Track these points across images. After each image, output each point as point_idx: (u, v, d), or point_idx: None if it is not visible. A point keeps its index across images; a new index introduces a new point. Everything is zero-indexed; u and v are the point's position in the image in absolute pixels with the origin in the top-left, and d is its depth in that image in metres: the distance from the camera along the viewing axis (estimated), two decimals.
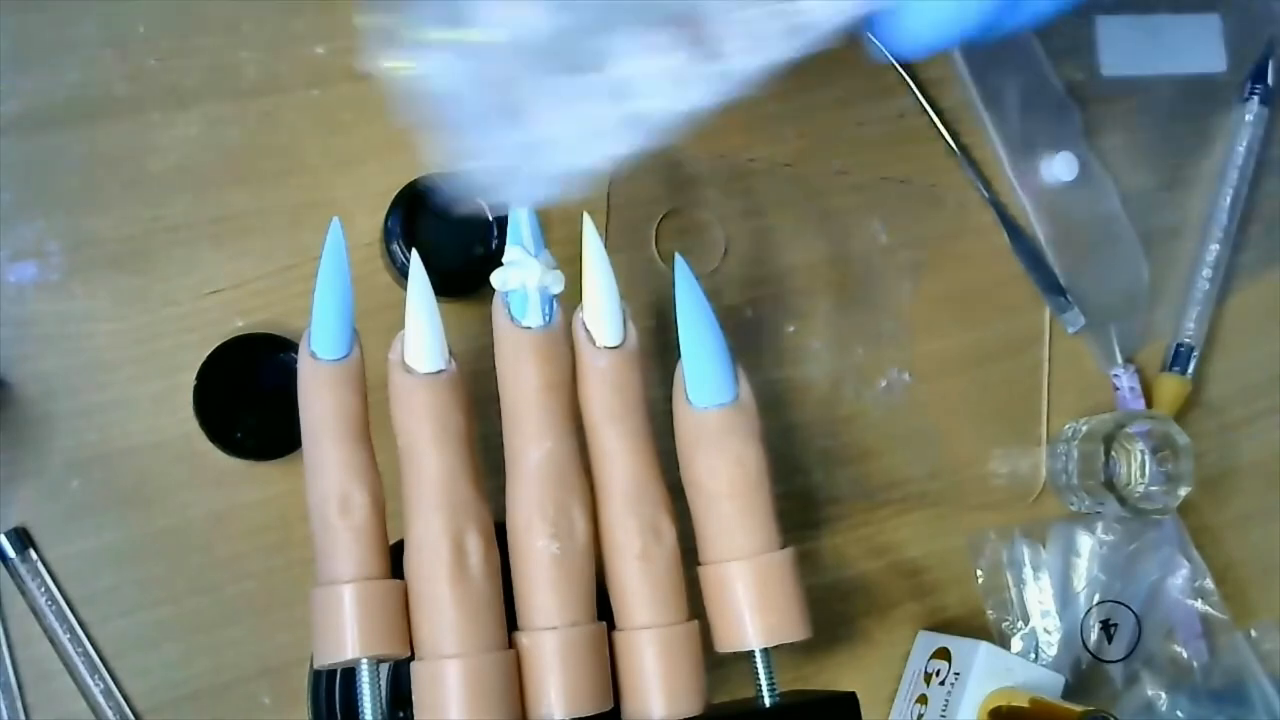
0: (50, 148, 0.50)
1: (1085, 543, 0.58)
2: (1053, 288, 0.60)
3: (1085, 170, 0.61)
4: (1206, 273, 0.63)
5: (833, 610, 0.56)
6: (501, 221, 0.51)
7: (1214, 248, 0.63)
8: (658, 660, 0.43)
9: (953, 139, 0.60)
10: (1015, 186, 0.61)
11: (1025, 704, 0.51)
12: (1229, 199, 0.63)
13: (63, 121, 0.50)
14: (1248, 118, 0.64)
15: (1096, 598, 0.58)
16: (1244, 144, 0.64)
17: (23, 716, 0.48)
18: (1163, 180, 0.63)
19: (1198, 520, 0.62)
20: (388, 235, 0.50)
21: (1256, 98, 0.64)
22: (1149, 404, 0.61)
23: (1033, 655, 0.57)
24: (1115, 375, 0.61)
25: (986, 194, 0.60)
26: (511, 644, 0.42)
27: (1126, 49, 0.62)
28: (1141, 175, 0.63)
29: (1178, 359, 0.62)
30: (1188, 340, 0.62)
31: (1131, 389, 0.61)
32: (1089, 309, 0.61)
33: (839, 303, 0.58)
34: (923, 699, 0.54)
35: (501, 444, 0.44)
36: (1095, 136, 0.62)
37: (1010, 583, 0.58)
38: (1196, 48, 0.64)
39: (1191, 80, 0.64)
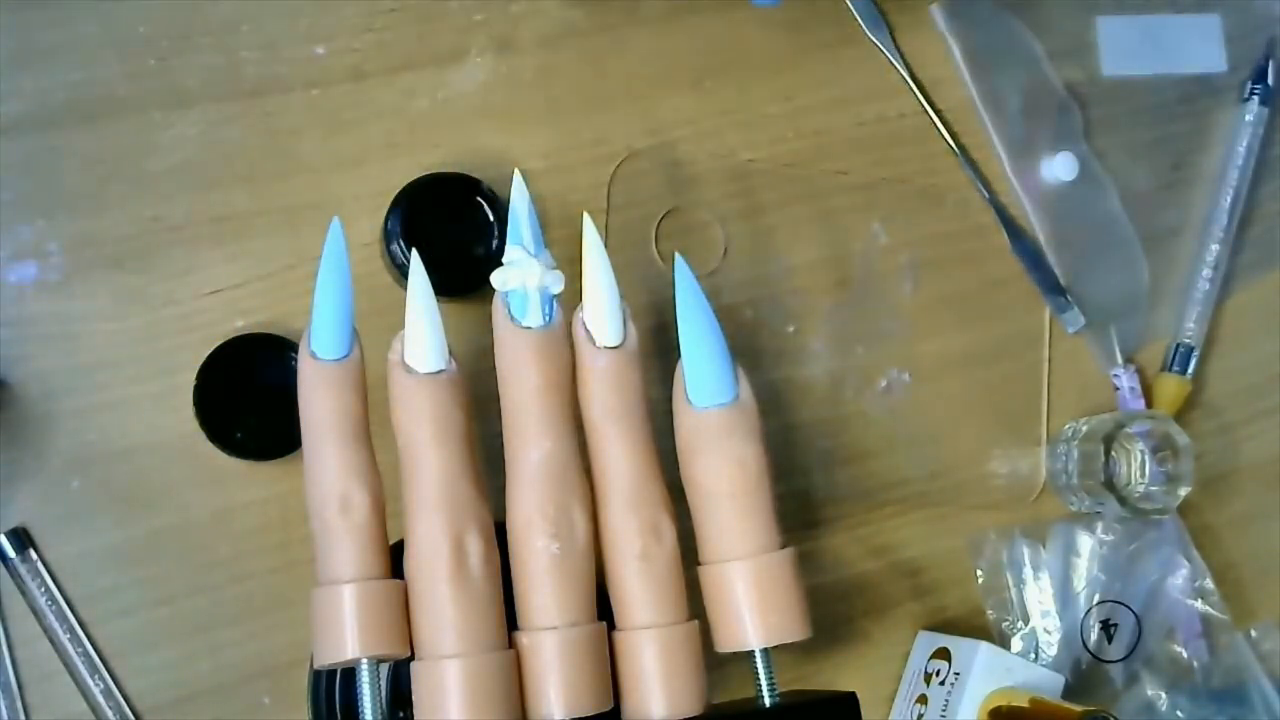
0: (50, 148, 0.50)
1: (1085, 543, 0.58)
2: (1053, 288, 0.60)
3: (1085, 170, 0.61)
4: (1206, 273, 0.63)
5: (833, 610, 0.56)
6: (501, 221, 0.51)
7: (1214, 248, 0.63)
8: (658, 660, 0.43)
9: (953, 139, 0.60)
10: (1015, 186, 0.61)
11: (1025, 704, 0.51)
12: (1229, 199, 0.63)
13: (63, 121, 0.50)
14: (1248, 118, 0.64)
15: (1096, 598, 0.58)
16: (1244, 144, 0.64)
17: (23, 716, 0.48)
18: (1162, 180, 0.63)
19: (1198, 520, 0.62)
20: (388, 235, 0.50)
21: (1256, 98, 0.64)
22: (1149, 404, 0.61)
23: (1033, 655, 0.57)
24: (1115, 375, 0.61)
25: (986, 194, 0.60)
26: (511, 644, 0.42)
27: (1127, 49, 0.62)
28: (1141, 175, 0.63)
29: (1178, 359, 0.62)
30: (1188, 340, 0.62)
31: (1132, 389, 0.61)
32: (1089, 309, 0.61)
33: (839, 303, 0.58)
34: (923, 699, 0.54)
35: (501, 444, 0.44)
36: (1095, 136, 0.62)
37: (1010, 583, 0.58)
38: (1197, 48, 0.64)
39: (1192, 80, 0.64)
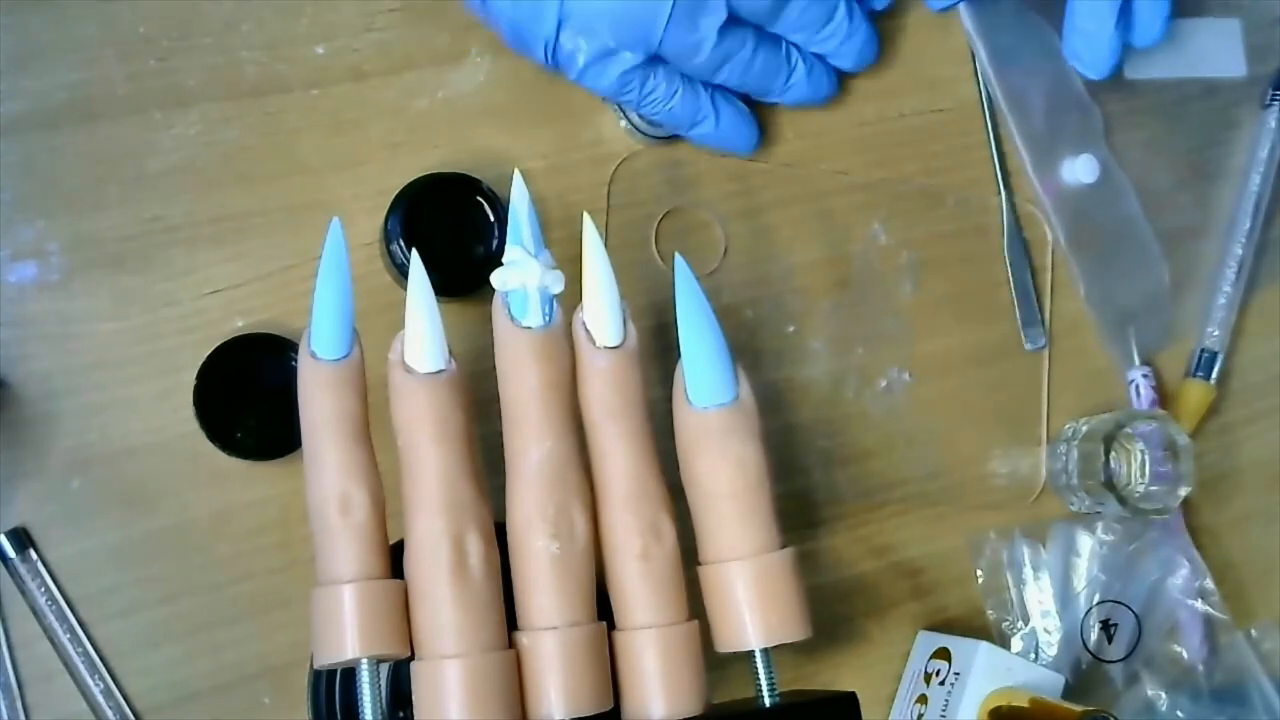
0: (50, 148, 0.50)
1: (1085, 543, 0.59)
2: (1029, 300, 0.60)
3: (1106, 173, 0.61)
4: (1230, 276, 0.62)
5: (833, 610, 0.56)
6: (501, 221, 0.51)
7: (1237, 252, 0.63)
8: (658, 660, 0.43)
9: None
10: (1036, 186, 0.61)
11: (1025, 704, 0.51)
12: (1251, 204, 0.63)
13: (63, 121, 0.50)
14: (1270, 124, 0.64)
15: (1096, 598, 0.58)
16: (1265, 150, 0.63)
17: (23, 716, 0.48)
18: (1182, 182, 0.63)
19: (1198, 520, 0.62)
20: (388, 235, 0.50)
21: (1278, 104, 0.64)
22: (1166, 407, 0.61)
23: (1033, 655, 0.57)
24: (1132, 377, 0.61)
25: (1004, 195, 0.60)
26: (511, 644, 0.42)
27: (1149, 52, 0.61)
28: (1161, 176, 0.63)
29: (1201, 364, 0.62)
30: (1211, 345, 0.62)
31: (1151, 389, 0.60)
32: (1108, 310, 0.61)
33: (839, 303, 0.58)
34: (923, 699, 0.54)
35: (501, 444, 0.44)
36: (1114, 137, 0.62)
37: (1010, 583, 0.58)
38: (1217, 52, 0.64)
39: (1212, 84, 0.64)
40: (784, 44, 0.55)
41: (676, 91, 0.53)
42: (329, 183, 0.52)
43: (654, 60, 0.52)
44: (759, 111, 0.57)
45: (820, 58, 0.56)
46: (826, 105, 0.58)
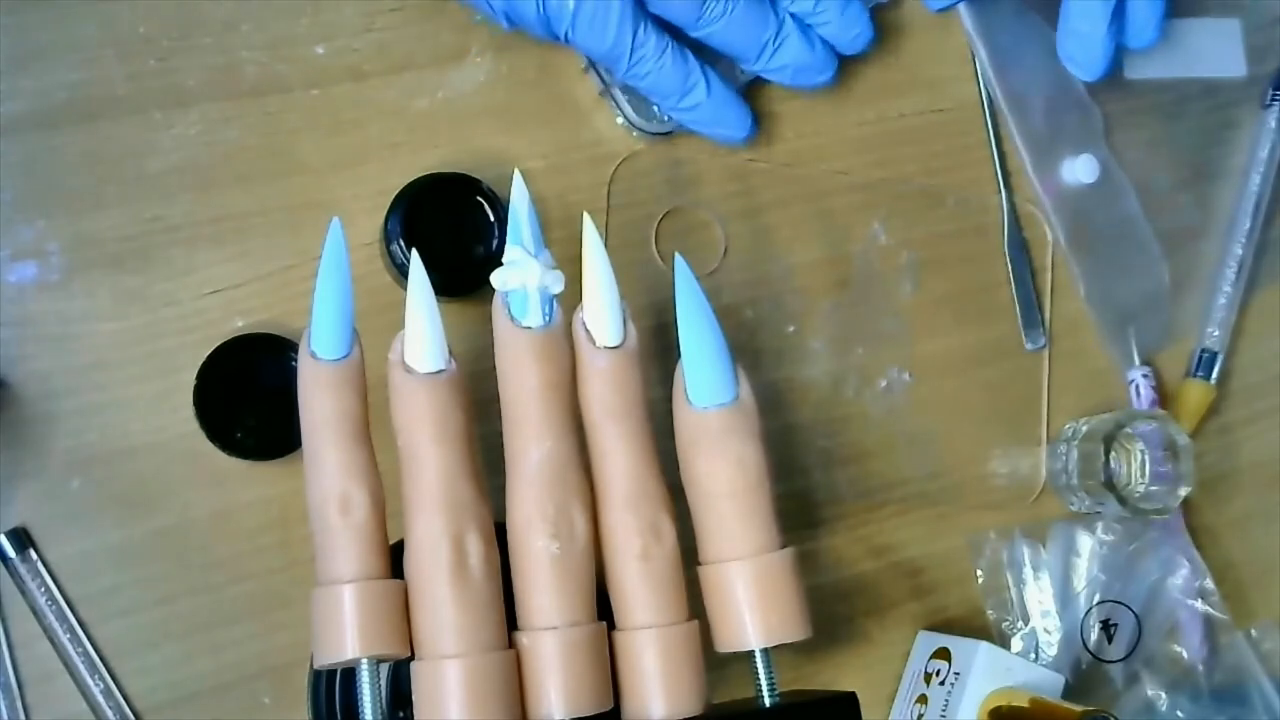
0: (50, 148, 0.50)
1: (1085, 543, 0.59)
2: (1029, 302, 0.60)
3: (1106, 173, 0.61)
4: (1230, 275, 0.62)
5: (833, 610, 0.56)
6: (501, 221, 0.51)
7: (1238, 252, 0.63)
8: (658, 660, 0.43)
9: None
10: (1036, 186, 0.61)
11: (1025, 704, 0.51)
12: (1252, 204, 0.63)
13: (63, 121, 0.50)
14: (1270, 124, 0.64)
15: (1096, 598, 0.58)
16: (1265, 151, 0.63)
17: (23, 716, 0.48)
18: (1182, 181, 0.63)
19: (1198, 520, 0.62)
20: (388, 235, 0.50)
21: (1278, 104, 0.64)
22: (1166, 407, 0.61)
23: (1033, 655, 0.57)
24: (1132, 377, 0.61)
25: (1005, 195, 0.60)
26: (511, 644, 0.42)
27: (1149, 52, 0.61)
28: (1160, 177, 0.63)
29: (1202, 364, 0.62)
30: (1211, 346, 0.62)
31: (1151, 388, 0.60)
32: (1108, 310, 0.61)
33: (839, 303, 0.58)
34: (923, 699, 0.54)
35: (501, 444, 0.44)
36: (1114, 137, 0.62)
37: (1010, 583, 0.58)
38: (1217, 52, 0.64)
39: (1211, 84, 0.64)
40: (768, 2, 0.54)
41: (665, 49, 0.52)
42: (329, 183, 0.52)
43: (640, 13, 0.51)
44: (759, 110, 0.57)
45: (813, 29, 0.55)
46: (825, 97, 0.58)
